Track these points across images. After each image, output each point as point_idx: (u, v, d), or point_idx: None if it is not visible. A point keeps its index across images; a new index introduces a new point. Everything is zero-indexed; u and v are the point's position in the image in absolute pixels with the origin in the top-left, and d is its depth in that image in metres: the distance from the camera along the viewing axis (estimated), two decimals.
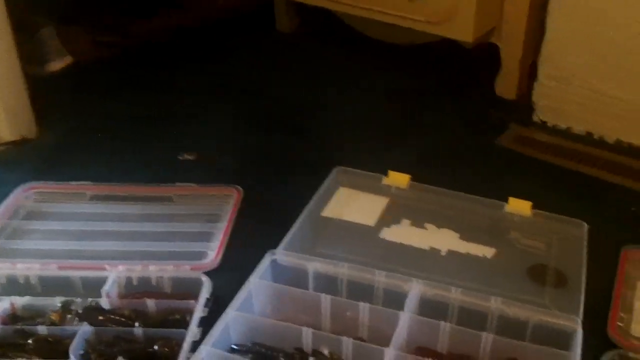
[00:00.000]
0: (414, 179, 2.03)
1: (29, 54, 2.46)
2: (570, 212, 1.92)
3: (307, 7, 2.87)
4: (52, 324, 1.63)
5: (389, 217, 1.93)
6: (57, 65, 2.75)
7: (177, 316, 1.65)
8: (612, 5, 2.19)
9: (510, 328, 1.55)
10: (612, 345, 1.60)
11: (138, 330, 1.59)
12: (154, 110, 2.62)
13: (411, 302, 1.58)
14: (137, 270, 1.75)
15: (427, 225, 1.90)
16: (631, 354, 1.56)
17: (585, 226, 1.86)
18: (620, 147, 2.36)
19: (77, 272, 1.75)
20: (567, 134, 2.43)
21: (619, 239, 1.92)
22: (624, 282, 1.77)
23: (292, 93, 2.74)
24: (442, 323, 1.53)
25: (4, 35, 2.23)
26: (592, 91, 2.33)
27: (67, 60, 2.74)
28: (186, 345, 1.53)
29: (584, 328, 1.51)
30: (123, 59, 2.94)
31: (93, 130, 2.49)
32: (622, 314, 1.68)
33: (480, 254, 1.81)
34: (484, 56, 2.62)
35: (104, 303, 1.67)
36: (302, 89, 2.77)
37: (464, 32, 2.44)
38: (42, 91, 2.46)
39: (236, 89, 2.75)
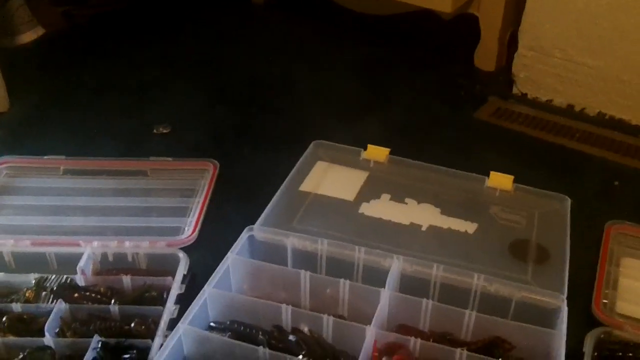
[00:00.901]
0: (392, 152, 2.00)
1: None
2: (552, 186, 1.90)
3: None
4: (27, 301, 1.60)
5: (368, 192, 1.90)
6: (28, 37, 2.70)
7: (154, 293, 1.62)
8: None
9: (492, 305, 1.54)
10: (597, 323, 1.58)
11: (114, 307, 1.56)
12: (125, 82, 2.58)
13: (392, 279, 1.56)
14: (112, 246, 1.72)
15: (407, 200, 1.88)
16: (617, 332, 1.54)
17: (568, 200, 1.84)
18: (602, 120, 2.34)
19: (51, 248, 1.72)
20: (547, 106, 2.41)
21: (602, 213, 1.91)
22: (608, 258, 1.76)
23: (265, 65, 2.70)
24: (424, 300, 1.51)
25: None
26: (573, 63, 2.32)
27: (38, 31, 2.69)
28: (163, 323, 1.51)
29: (567, 305, 1.50)
30: (92, 30, 2.89)
31: (64, 103, 2.45)
32: (606, 291, 1.67)
33: (461, 230, 1.78)
34: (462, 28, 2.59)
35: (79, 280, 1.64)
36: (276, 62, 2.73)
37: (442, 2, 2.40)
38: (11, 63, 2.40)
39: (208, 61, 2.71)
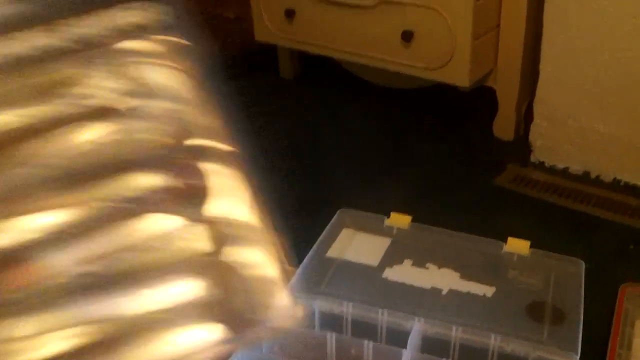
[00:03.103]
0: (414, 218, 2.08)
1: None
2: (568, 250, 1.97)
3: (309, 54, 2.95)
4: None
5: (391, 258, 1.98)
6: None
7: None
8: (600, 47, 2.27)
9: None
10: None
11: None
12: None
13: (414, 340, 1.63)
14: None
15: (429, 264, 1.95)
16: None
17: (583, 264, 1.91)
18: (617, 186, 2.42)
19: None
20: (564, 173, 2.50)
21: (617, 276, 1.98)
22: (623, 319, 1.82)
23: (294, 132, 2.82)
24: None
25: None
26: (587, 131, 2.40)
27: None
28: None
29: None
30: None
31: None
32: (620, 351, 1.73)
33: (480, 293, 1.85)
34: (481, 99, 2.69)
35: None
36: (303, 129, 2.85)
37: (459, 77, 2.51)
38: None
39: (238, 129, 2.81)
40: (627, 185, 2.41)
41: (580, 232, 2.22)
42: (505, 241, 1.99)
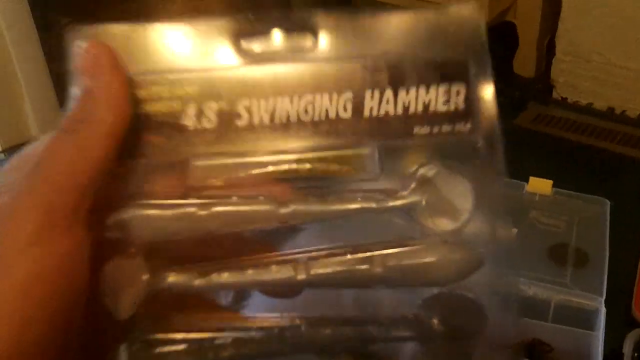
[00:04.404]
0: None
1: (53, 52, 2.47)
2: (592, 189, 1.89)
3: None
4: None
5: None
6: None
7: None
8: None
9: (531, 309, 1.54)
10: (637, 324, 1.58)
11: None
12: None
13: None
14: None
15: None
16: None
17: (608, 204, 1.83)
18: None
19: None
20: (588, 110, 2.41)
21: None
22: None
23: None
24: None
25: (29, 35, 2.24)
26: (611, 65, 2.31)
27: None
28: None
29: (607, 307, 1.50)
30: None
31: None
32: None
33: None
34: (500, 35, 2.61)
35: None
36: None
37: (479, 12, 2.40)
38: (62, 87, 2.46)
39: None
40: None
41: (605, 171, 2.15)
42: (527, 181, 1.92)
